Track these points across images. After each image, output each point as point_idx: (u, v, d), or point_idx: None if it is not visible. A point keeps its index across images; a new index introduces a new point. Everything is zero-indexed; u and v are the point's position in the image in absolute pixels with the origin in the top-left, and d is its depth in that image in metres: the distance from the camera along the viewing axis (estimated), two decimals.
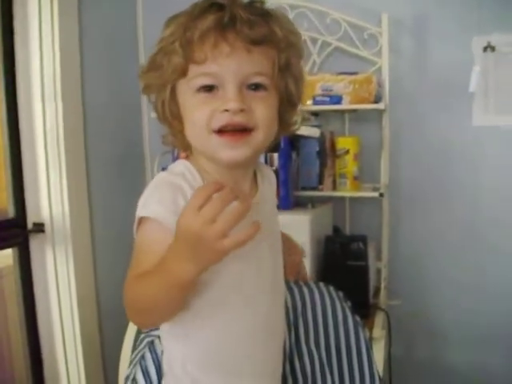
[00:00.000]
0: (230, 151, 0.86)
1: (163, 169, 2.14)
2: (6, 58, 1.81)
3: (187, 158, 0.95)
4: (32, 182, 1.89)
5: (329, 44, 2.11)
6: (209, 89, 0.85)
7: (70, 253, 1.90)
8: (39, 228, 1.89)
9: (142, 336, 1.09)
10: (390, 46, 2.00)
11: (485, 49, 2.00)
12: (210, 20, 0.82)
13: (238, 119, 0.84)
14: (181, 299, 0.82)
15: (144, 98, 2.33)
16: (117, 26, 2.23)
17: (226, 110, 0.83)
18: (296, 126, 1.00)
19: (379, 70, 2.01)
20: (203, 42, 0.83)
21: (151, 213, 0.84)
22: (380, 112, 1.99)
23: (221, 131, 0.85)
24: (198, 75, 0.85)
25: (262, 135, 0.87)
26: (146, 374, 1.03)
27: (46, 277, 1.93)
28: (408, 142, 2.12)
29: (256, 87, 0.86)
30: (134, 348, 1.17)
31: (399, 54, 2.07)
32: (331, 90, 1.94)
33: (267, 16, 0.86)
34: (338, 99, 1.93)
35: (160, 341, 1.02)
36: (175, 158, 2.07)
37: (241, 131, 0.85)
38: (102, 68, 2.10)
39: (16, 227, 1.87)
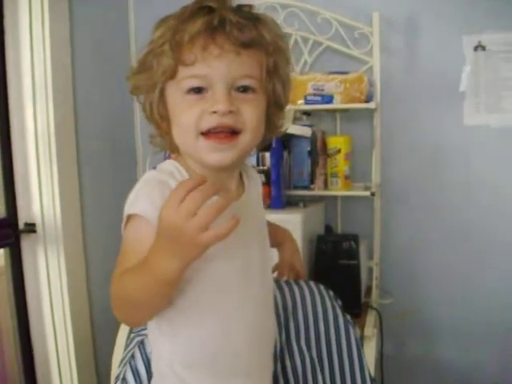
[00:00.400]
0: (216, 154, 0.86)
1: (154, 168, 2.14)
2: None
3: (176, 158, 0.95)
4: (23, 182, 1.88)
5: (320, 43, 2.11)
6: (198, 91, 0.86)
7: (62, 253, 1.89)
8: (31, 228, 1.88)
9: (132, 335, 1.09)
10: (381, 45, 2.00)
11: (475, 48, 2.01)
12: (199, 23, 0.83)
13: (227, 121, 0.85)
14: (164, 296, 0.82)
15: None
16: (108, 26, 2.23)
17: (215, 112, 0.84)
18: (283, 129, 1.01)
19: (370, 69, 2.01)
20: (193, 44, 0.83)
21: (139, 210, 0.84)
22: (371, 111, 1.99)
23: (208, 133, 0.85)
24: (187, 77, 0.85)
25: (248, 137, 0.88)
26: (135, 373, 1.03)
27: (38, 277, 1.92)
28: (399, 141, 2.12)
29: (244, 89, 0.87)
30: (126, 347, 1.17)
31: (390, 54, 2.08)
32: (322, 90, 1.94)
33: (256, 20, 0.87)
34: (329, 99, 1.93)
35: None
36: (167, 158, 2.07)
37: (228, 133, 0.86)
38: (93, 67, 2.10)
39: (7, 227, 1.86)
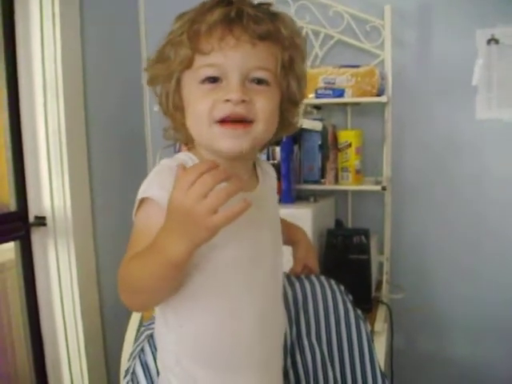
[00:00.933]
0: (230, 141, 0.87)
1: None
2: (8, 54, 1.81)
3: (190, 149, 0.95)
4: (34, 176, 1.88)
5: (331, 37, 2.09)
6: (213, 80, 0.87)
7: (72, 246, 1.90)
8: (41, 221, 1.89)
9: (142, 329, 1.09)
10: (393, 38, 1.98)
11: (488, 41, 1.99)
12: (217, 14, 0.84)
13: (239, 110, 0.85)
14: (172, 279, 0.82)
15: (146, 92, 2.33)
16: (118, 21, 2.22)
17: (228, 101, 0.84)
18: (297, 126, 1.02)
19: (382, 62, 2.00)
20: (210, 34, 0.85)
21: (150, 194, 0.85)
22: (382, 105, 1.98)
23: (222, 122, 0.86)
24: (203, 66, 0.87)
25: (261, 127, 0.88)
26: (145, 367, 1.03)
27: (48, 270, 1.93)
28: (411, 135, 2.11)
29: (259, 82, 0.88)
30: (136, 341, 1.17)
31: (402, 47, 2.06)
32: (333, 83, 1.93)
33: (273, 15, 0.89)
34: (340, 92, 1.92)
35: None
36: (177, 152, 2.06)
37: (241, 122, 0.86)
38: (103, 62, 2.09)
39: (18, 220, 1.87)
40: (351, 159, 1.97)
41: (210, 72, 0.86)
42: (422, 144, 2.11)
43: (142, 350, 1.06)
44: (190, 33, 0.86)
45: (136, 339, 1.08)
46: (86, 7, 1.96)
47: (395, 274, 2.12)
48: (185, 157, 0.93)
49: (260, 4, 0.90)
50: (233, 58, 0.85)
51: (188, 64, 0.87)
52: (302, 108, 1.82)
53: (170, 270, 0.77)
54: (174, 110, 0.92)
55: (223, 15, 0.84)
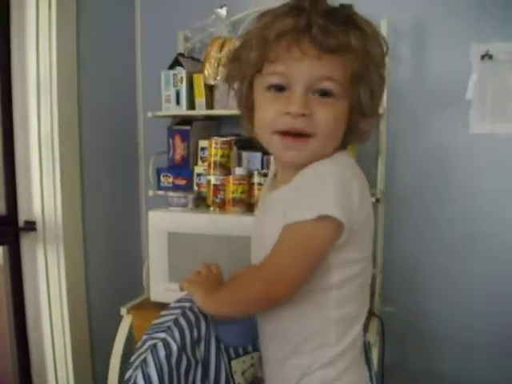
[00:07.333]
0: (288, 152, 0.92)
1: (158, 170, 2.11)
2: (2, 58, 1.81)
3: None
4: (24, 180, 1.86)
5: None
6: (278, 89, 0.90)
7: (62, 251, 1.87)
8: (31, 226, 1.87)
9: (145, 337, 1.03)
10: (389, 52, 1.98)
11: (482, 57, 2.00)
12: (287, 22, 0.86)
13: (298, 124, 0.88)
14: None
15: (140, 98, 2.31)
16: (114, 26, 2.21)
17: (288, 113, 0.87)
18: (368, 136, 1.04)
19: None
20: (278, 42, 0.87)
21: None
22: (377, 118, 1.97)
23: (283, 133, 0.91)
24: (269, 73, 0.90)
25: (319, 142, 0.90)
26: (147, 379, 0.97)
27: (37, 276, 1.90)
28: (405, 149, 2.10)
29: (324, 93, 0.89)
30: (131, 348, 1.13)
31: (398, 61, 2.06)
32: None
33: (348, 24, 0.88)
34: None
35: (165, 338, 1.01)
36: (170, 159, 2.05)
37: (300, 136, 0.90)
38: (98, 68, 2.08)
39: (7, 225, 1.85)
40: None
41: (275, 80, 0.89)
42: (416, 157, 2.10)
43: (145, 361, 0.99)
44: (260, 39, 0.88)
45: (138, 347, 1.03)
46: (83, 11, 1.95)
47: (387, 287, 2.11)
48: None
49: (336, 10, 0.89)
50: (297, 69, 0.87)
51: (258, 68, 0.90)
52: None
53: None
54: (246, 109, 0.98)
55: (292, 25, 0.85)
